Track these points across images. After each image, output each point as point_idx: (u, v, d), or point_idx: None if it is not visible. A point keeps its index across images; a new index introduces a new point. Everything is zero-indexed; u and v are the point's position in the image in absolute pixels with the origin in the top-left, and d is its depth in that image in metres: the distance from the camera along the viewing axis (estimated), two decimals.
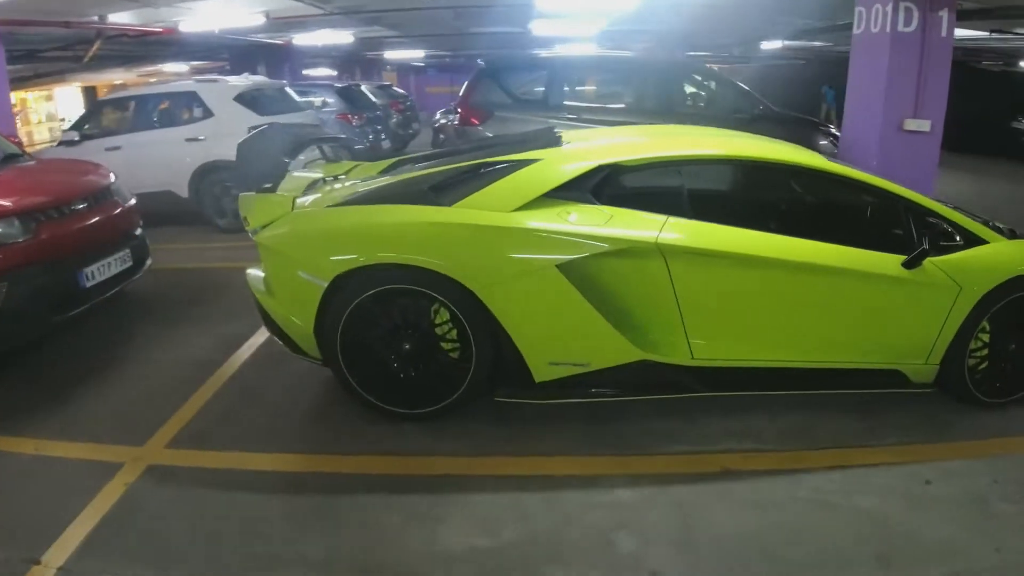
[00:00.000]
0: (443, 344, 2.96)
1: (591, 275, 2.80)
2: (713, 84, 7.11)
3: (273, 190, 3.28)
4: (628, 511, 2.45)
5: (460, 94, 7.20)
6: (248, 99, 6.96)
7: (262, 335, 3.97)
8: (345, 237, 2.86)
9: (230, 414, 3.18)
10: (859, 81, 5.83)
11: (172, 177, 6.71)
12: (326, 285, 2.79)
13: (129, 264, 4.33)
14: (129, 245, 4.37)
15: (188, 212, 6.87)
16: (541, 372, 2.89)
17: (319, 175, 3.59)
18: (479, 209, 2.85)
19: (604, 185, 2.97)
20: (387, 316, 2.91)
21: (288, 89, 8.00)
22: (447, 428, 2.98)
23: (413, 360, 2.96)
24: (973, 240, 2.98)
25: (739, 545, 2.27)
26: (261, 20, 8.21)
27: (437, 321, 2.94)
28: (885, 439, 2.86)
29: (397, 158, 4.02)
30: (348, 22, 9.60)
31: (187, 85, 7.17)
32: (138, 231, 4.60)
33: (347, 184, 3.36)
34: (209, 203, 6.81)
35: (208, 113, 6.81)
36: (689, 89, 6.98)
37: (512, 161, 3.09)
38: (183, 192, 6.79)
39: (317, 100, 9.20)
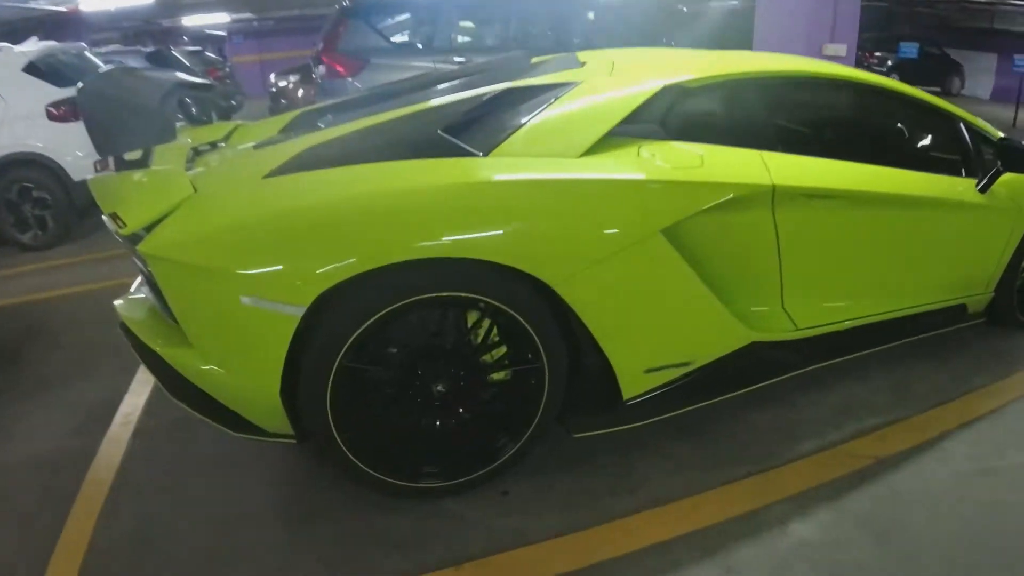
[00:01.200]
0: (493, 374, 1.95)
1: (686, 240, 1.99)
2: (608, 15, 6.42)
3: (144, 164, 1.97)
4: (818, 550, 1.83)
5: (321, 43, 5.83)
6: (43, 69, 5.22)
7: (138, 394, 2.68)
8: (328, 227, 1.70)
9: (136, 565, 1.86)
10: (775, 10, 5.87)
11: None
12: (301, 313, 1.66)
13: None
14: None
15: None
16: (634, 384, 2.02)
17: (186, 142, 2.33)
18: (529, 157, 1.86)
19: (671, 114, 2.17)
20: (406, 345, 1.85)
21: (89, 54, 6.14)
22: (516, 493, 2.01)
23: (450, 405, 1.92)
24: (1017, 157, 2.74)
25: (969, 546, 1.85)
26: None
27: (478, 340, 1.92)
28: (973, 382, 2.69)
29: (298, 111, 2.81)
30: None
31: None
32: None
33: (248, 150, 2.15)
34: (5, 215, 5.03)
35: None
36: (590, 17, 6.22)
37: (542, 86, 2.12)
38: None
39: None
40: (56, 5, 9.75)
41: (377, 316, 1.68)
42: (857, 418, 2.40)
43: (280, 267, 1.64)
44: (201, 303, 1.71)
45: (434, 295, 1.72)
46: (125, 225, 1.70)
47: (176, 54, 9.33)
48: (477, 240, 1.71)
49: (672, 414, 2.15)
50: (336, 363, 1.69)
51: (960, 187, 2.62)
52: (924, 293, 2.63)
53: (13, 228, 5.03)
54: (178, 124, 2.99)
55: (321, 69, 5.72)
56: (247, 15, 17.03)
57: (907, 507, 1.96)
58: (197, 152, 2.25)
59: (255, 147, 2.16)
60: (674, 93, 2.15)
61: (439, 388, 1.85)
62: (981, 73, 15.90)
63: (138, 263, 1.91)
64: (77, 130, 5.01)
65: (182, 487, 2.13)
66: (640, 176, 1.89)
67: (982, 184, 2.63)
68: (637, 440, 2.24)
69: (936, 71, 15.51)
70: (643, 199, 1.90)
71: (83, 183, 5.06)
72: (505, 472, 2.02)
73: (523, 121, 1.96)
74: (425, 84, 2.65)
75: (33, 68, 5.16)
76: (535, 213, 1.78)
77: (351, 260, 1.63)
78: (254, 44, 20.45)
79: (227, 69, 11.64)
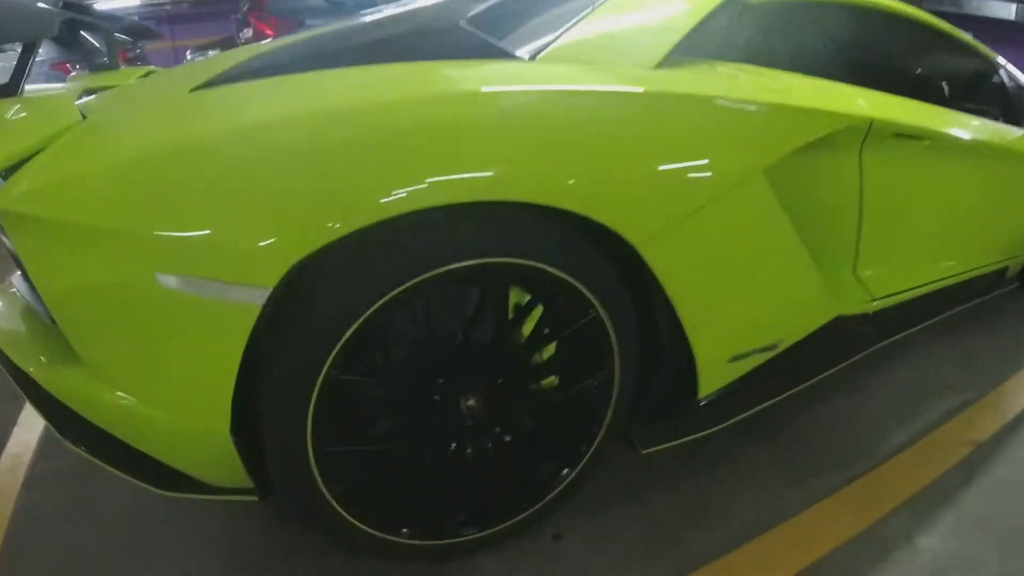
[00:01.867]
0: (539, 378, 1.38)
1: (779, 182, 1.47)
2: None
3: (14, 90, 1.30)
4: (951, 564, 1.46)
5: (247, 3, 5.09)
6: None
7: (31, 428, 1.98)
8: (300, 159, 1.05)
9: None
10: None
11: None
12: (263, 300, 1.03)
13: None
14: None
15: None
16: (714, 377, 1.51)
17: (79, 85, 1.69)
18: (595, 65, 1.32)
19: (734, 34, 1.68)
20: (422, 345, 1.24)
21: None
22: (572, 538, 1.45)
23: (483, 427, 1.32)
24: None
25: None
26: None
27: (525, 332, 1.33)
28: None
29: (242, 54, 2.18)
30: None
31: None
32: None
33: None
34: None
35: None
36: None
37: None
38: None
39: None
40: None
41: (382, 301, 1.07)
42: (939, 397, 2.08)
43: (224, 225, 1.00)
44: (91, 290, 1.05)
45: (469, 264, 1.11)
46: None
47: (84, 34, 8.24)
48: (534, 177, 1.12)
49: (750, 412, 1.67)
50: (321, 376, 1.08)
51: (1014, 137, 2.32)
52: (981, 255, 2.35)
53: None
54: (73, 73, 2.31)
55: (247, 32, 4.99)
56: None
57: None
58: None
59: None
60: (739, 9, 1.65)
61: (470, 403, 1.28)
62: None
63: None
64: None
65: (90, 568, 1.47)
66: (741, 98, 1.37)
67: None
68: (701, 454, 1.74)
69: None
70: (748, 126, 1.37)
71: None
72: (555, 511, 1.47)
73: (575, 20, 1.40)
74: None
75: None
76: (615, 142, 1.21)
77: (340, 212, 1.01)
78: (167, 30, 19.09)
79: (138, 51, 10.51)
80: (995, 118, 2.37)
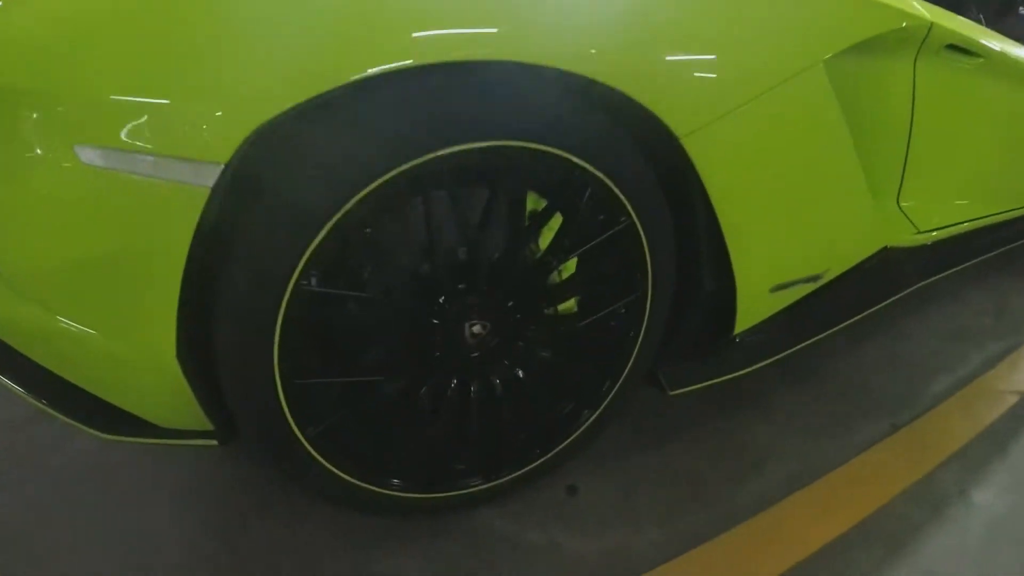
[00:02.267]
0: (562, 302, 1.15)
1: (839, 84, 1.25)
2: None
3: None
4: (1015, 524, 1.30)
5: None
6: None
7: None
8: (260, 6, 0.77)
9: None
10: None
11: None
12: (213, 181, 0.77)
13: None
14: None
15: None
16: (754, 310, 1.32)
17: None
18: None
19: None
20: (415, 252, 0.99)
21: None
22: (589, 489, 1.26)
23: (490, 358, 1.10)
24: None
25: None
26: None
27: (543, 244, 1.09)
28: None
29: None
30: None
31: None
32: None
33: None
34: None
35: None
36: None
37: None
38: None
39: None
40: None
41: (366, 191, 0.84)
42: (978, 344, 1.94)
43: (161, 76, 0.75)
44: (3, 172, 0.80)
45: (479, 146, 0.88)
46: None
47: None
48: (563, 38, 0.87)
49: (788, 352, 1.47)
50: (290, 286, 0.85)
51: None
52: (1015, 194, 2.16)
53: None
54: None
55: None
56: None
57: None
58: None
59: None
60: None
61: (474, 329, 1.06)
62: None
63: None
64: None
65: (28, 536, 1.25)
66: None
67: None
68: (732, 398, 1.56)
69: None
70: (810, 11, 1.14)
71: None
72: (571, 458, 1.28)
73: None
74: None
75: None
76: (665, 17, 0.96)
77: (314, 66, 0.76)
78: None
79: None
80: None
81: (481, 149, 0.88)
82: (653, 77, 0.95)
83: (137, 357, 0.88)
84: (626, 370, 1.18)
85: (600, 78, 0.90)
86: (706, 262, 1.19)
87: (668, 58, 0.96)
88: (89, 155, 0.76)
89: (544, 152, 0.93)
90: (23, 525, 1.18)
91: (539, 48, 0.86)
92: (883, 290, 1.68)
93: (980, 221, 1.96)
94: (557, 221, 1.05)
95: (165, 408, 0.96)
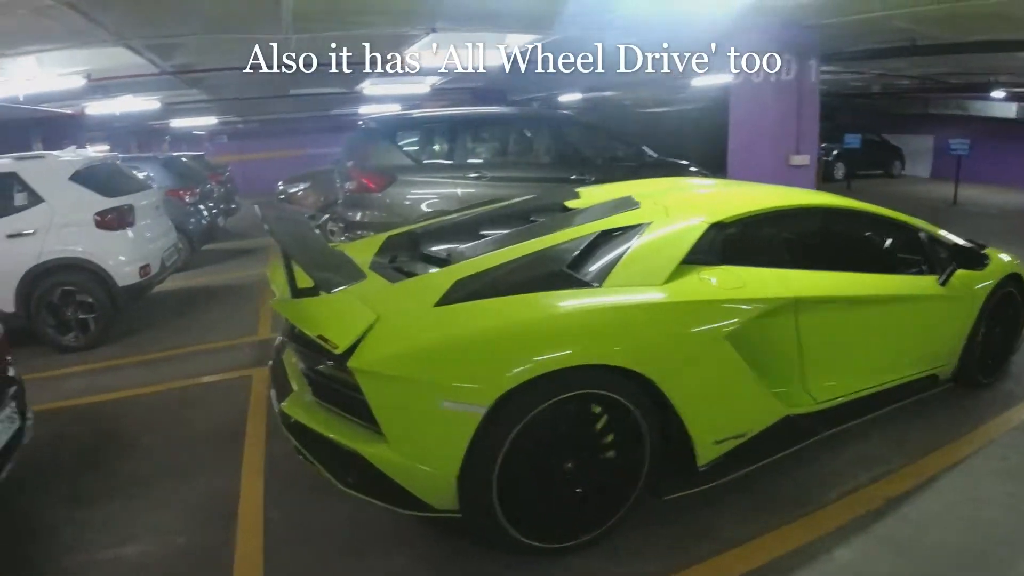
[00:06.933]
0: (606, 452, 2.41)
1: (737, 340, 2.55)
2: (602, 135, 7.25)
3: (320, 291, 2.47)
4: (856, 565, 2.37)
5: (349, 161, 6.47)
6: (87, 177, 5.46)
7: (254, 487, 2.94)
8: (507, 345, 2.23)
9: None
10: (746, 127, 6.47)
11: None
12: (484, 411, 2.12)
13: (17, 425, 2.94)
14: (8, 395, 2.98)
15: (11, 331, 5.11)
16: (706, 453, 2.53)
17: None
18: (629, 286, 2.51)
19: (714, 244, 2.82)
20: (553, 433, 2.30)
21: (121, 164, 6.50)
22: (623, 546, 2.44)
23: (575, 480, 2.35)
24: (965, 255, 3.53)
25: (957, 551, 2.43)
26: (80, 83, 6.58)
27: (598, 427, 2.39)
28: (962, 431, 3.28)
29: (386, 235, 3.41)
30: (167, 84, 8.24)
31: (1, 164, 5.37)
32: (11, 370, 3.22)
33: (395, 279, 2.72)
34: (45, 317, 5.21)
35: (36, 199, 5.23)
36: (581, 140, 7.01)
37: (624, 228, 2.77)
38: (6, 306, 5.13)
39: (141, 175, 7.58)
40: (64, 107, 9.89)
41: (537, 410, 2.19)
42: (867, 468, 2.96)
43: (473, 377, 2.14)
44: (405, 407, 2.16)
45: (576, 393, 2.25)
46: (337, 347, 2.14)
47: (184, 159, 9.83)
48: (614, 349, 2.29)
49: (735, 475, 2.61)
50: (505, 447, 2.16)
51: (926, 283, 3.30)
52: (907, 367, 3.25)
53: (53, 329, 5.17)
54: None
55: (351, 184, 6.31)
56: (233, 118, 17.82)
57: (922, 527, 2.53)
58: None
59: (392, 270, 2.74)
60: (715, 228, 2.79)
61: (568, 464, 2.32)
62: (920, 154, 17.44)
63: (305, 375, 2.42)
64: (122, 238, 5.38)
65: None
66: (706, 295, 2.53)
67: (943, 279, 3.29)
68: (703, 500, 2.65)
69: (878, 157, 17.21)
70: (711, 312, 2.51)
71: (127, 288, 5.43)
72: (613, 532, 2.44)
73: (619, 255, 2.57)
74: (496, 217, 3.37)
75: (79, 176, 5.37)
76: (647, 326, 2.36)
77: (522, 369, 2.15)
78: (233, 145, 21.31)
79: (227, 173, 12.20)
80: (919, 268, 3.34)
81: (575, 395, 2.22)
82: (643, 360, 2.32)
83: (440, 477, 2.19)
84: (639, 483, 2.41)
85: (622, 364, 2.24)
86: (675, 429, 2.42)
87: (649, 351, 2.32)
88: (447, 404, 2.12)
89: (599, 393, 2.26)
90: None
91: (596, 355, 2.23)
92: (793, 439, 2.78)
93: (871, 389, 3.04)
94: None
95: (441, 499, 2.23)
